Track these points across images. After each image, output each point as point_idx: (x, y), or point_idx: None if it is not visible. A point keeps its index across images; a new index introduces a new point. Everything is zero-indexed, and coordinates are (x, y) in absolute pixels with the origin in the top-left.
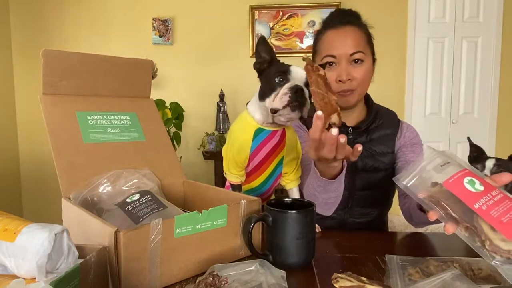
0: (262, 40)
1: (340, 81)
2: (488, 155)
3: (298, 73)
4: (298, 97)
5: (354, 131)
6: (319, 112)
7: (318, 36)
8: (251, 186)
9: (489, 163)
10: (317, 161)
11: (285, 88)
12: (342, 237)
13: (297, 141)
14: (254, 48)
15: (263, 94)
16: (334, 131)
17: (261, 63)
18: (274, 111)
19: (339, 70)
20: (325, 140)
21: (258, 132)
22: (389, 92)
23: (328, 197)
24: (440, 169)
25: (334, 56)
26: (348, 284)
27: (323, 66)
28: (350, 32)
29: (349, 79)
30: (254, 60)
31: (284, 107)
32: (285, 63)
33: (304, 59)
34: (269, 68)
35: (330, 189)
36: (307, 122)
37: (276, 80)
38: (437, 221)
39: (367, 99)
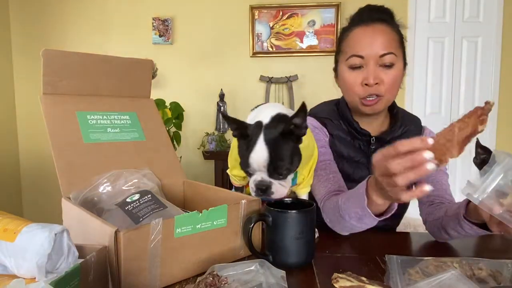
0: (225, 118)
1: (366, 84)
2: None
3: (258, 160)
4: (261, 193)
5: (377, 141)
6: (430, 140)
7: (343, 34)
8: None
9: None
10: (376, 188)
11: (252, 182)
12: (342, 237)
13: (314, 146)
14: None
15: None
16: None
17: (234, 130)
18: None
19: (366, 72)
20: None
21: None
22: None
23: (358, 227)
24: None
25: (361, 57)
26: (348, 284)
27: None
28: (381, 30)
29: (376, 83)
30: (254, 60)
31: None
32: (257, 128)
33: (487, 103)
34: (238, 135)
35: (366, 221)
36: (325, 122)
37: (241, 166)
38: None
39: (392, 106)
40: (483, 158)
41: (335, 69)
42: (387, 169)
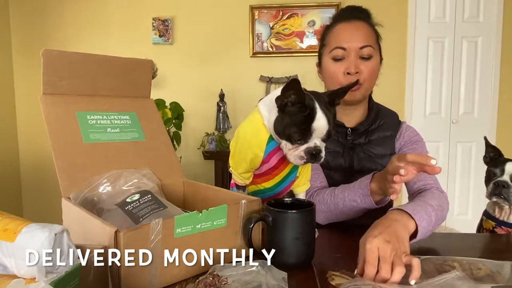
0: (295, 83)
1: (348, 73)
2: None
3: (320, 127)
4: (312, 159)
5: (353, 132)
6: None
7: (327, 29)
8: (263, 186)
9: (510, 167)
10: (380, 181)
11: (302, 151)
12: (342, 237)
13: None
14: (285, 86)
15: (279, 132)
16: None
17: (285, 100)
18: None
19: (347, 63)
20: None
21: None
22: (389, 92)
23: (346, 214)
24: None
25: (344, 48)
26: (344, 281)
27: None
28: (361, 26)
29: (357, 72)
30: (254, 60)
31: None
32: (311, 99)
33: None
34: (292, 107)
35: (358, 210)
36: None
37: (295, 137)
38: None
39: (369, 99)
40: (492, 156)
41: (319, 63)
42: (397, 169)
